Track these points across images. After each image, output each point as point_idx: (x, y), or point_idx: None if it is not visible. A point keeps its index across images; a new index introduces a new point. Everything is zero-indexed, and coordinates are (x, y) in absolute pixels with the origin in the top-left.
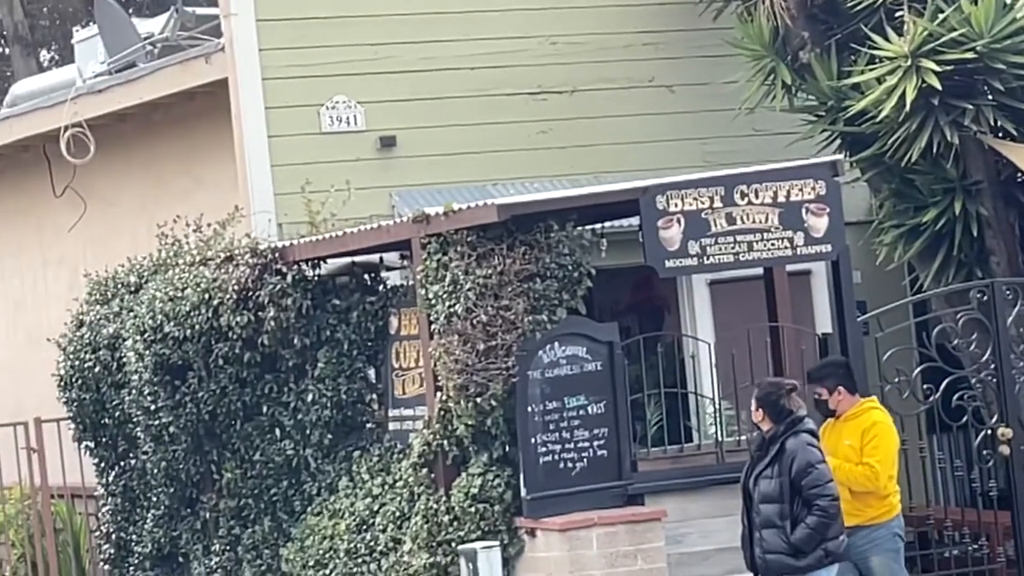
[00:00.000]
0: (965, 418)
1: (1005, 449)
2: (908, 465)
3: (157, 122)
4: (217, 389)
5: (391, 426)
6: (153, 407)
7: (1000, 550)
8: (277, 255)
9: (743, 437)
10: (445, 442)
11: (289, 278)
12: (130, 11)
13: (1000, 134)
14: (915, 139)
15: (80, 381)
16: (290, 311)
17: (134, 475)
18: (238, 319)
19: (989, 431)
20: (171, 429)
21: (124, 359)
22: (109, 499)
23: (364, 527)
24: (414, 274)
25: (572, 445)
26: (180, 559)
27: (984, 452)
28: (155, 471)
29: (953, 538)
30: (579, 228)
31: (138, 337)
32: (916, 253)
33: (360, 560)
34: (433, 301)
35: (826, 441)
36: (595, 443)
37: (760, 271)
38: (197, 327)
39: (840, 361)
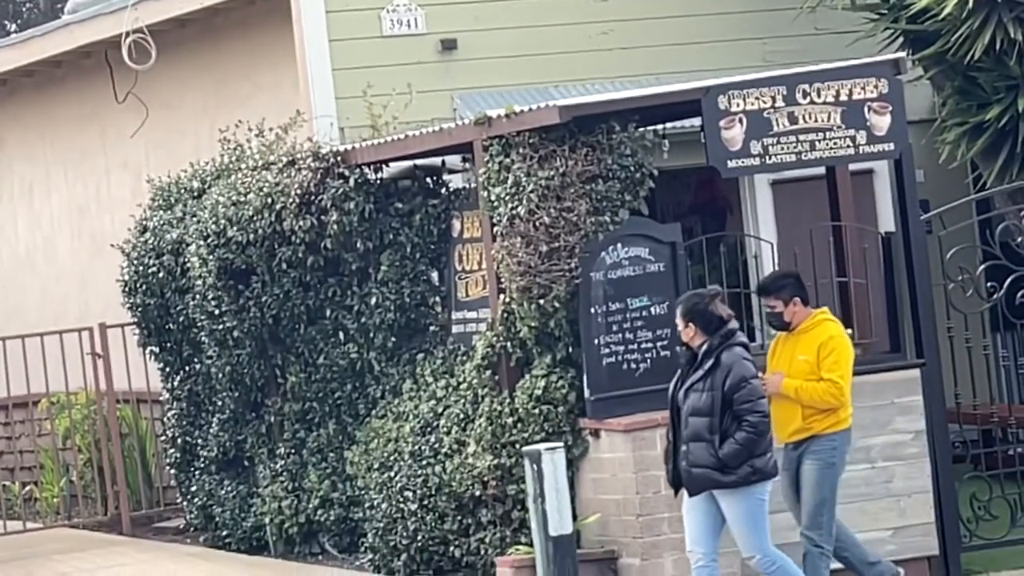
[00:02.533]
0: None
1: None
2: (972, 363)
3: (218, 26)
4: (280, 293)
5: (454, 328)
6: (217, 312)
7: None
8: (339, 159)
9: None
10: (508, 344)
11: (351, 182)
12: None
13: None
14: (978, 36)
15: (144, 286)
16: (352, 215)
17: (199, 380)
18: (301, 223)
19: None
20: (235, 333)
21: (188, 264)
22: (174, 404)
23: (428, 429)
24: (476, 177)
25: (635, 346)
26: (245, 463)
27: None
28: (220, 375)
29: (1017, 435)
30: (641, 129)
31: (201, 242)
32: (979, 151)
33: (424, 462)
34: (495, 203)
35: (779, 355)
36: (658, 344)
37: (822, 170)
38: (260, 231)
39: (793, 272)
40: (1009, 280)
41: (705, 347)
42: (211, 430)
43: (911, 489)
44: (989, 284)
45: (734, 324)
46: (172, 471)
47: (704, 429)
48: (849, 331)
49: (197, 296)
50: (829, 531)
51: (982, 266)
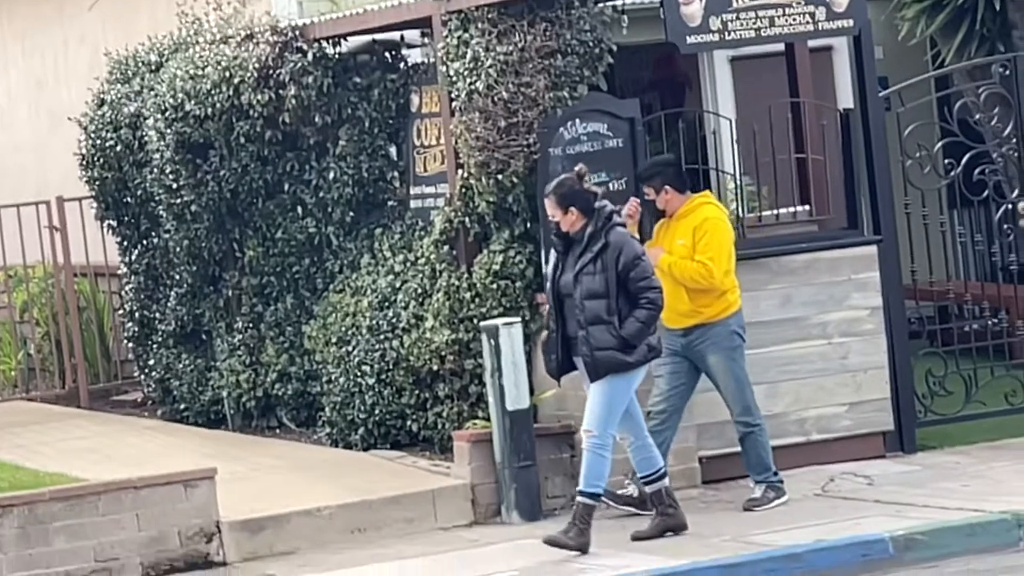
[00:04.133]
0: (986, 192)
1: None
2: (929, 240)
3: None
4: (238, 167)
5: (413, 204)
6: (175, 185)
7: (1019, 323)
8: (297, 33)
9: (764, 212)
10: (467, 219)
11: (310, 56)
12: None
13: None
14: None
15: (102, 160)
16: (311, 89)
17: (157, 253)
18: (259, 97)
19: (1010, 205)
20: (193, 207)
21: (145, 138)
22: (132, 277)
23: (386, 304)
24: (435, 52)
25: None
26: (203, 336)
27: (1004, 226)
28: (177, 249)
29: (973, 312)
30: (600, 4)
31: (159, 116)
32: (938, 27)
33: (382, 337)
34: (454, 79)
35: (659, 241)
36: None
37: (781, 47)
38: (218, 105)
39: (667, 160)
40: (966, 157)
41: (590, 230)
42: (169, 304)
43: (867, 365)
44: (946, 161)
45: (611, 204)
46: (130, 345)
47: (602, 311)
48: (805, 207)
49: (155, 170)
50: (755, 406)
51: (940, 143)
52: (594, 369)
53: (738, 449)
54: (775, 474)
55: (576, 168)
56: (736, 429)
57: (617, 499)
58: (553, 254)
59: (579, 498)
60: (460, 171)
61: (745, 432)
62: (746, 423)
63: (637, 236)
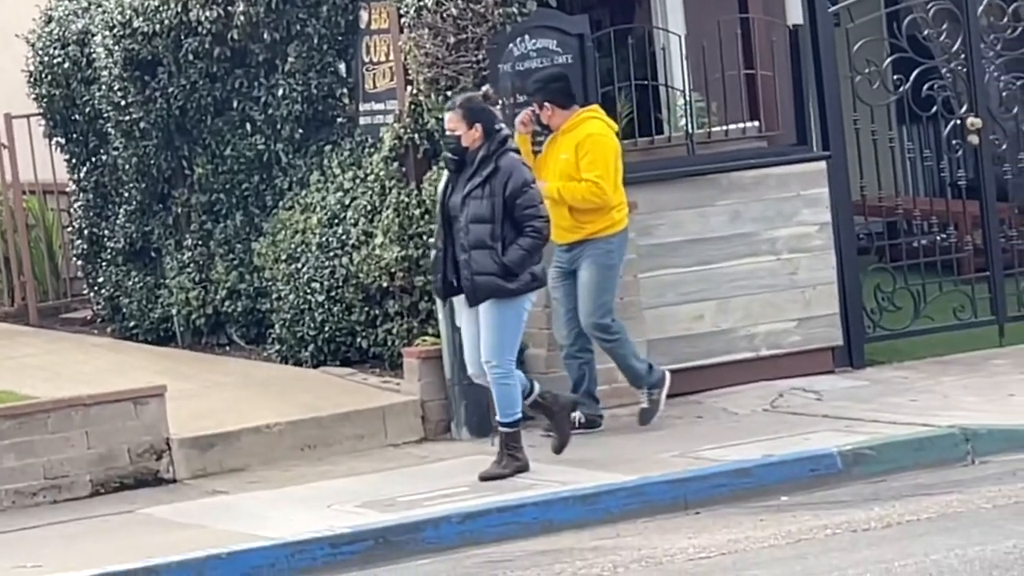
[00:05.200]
0: (935, 108)
1: (974, 139)
2: (878, 155)
3: None
4: (187, 84)
5: (362, 120)
6: (123, 103)
7: (968, 239)
8: None
9: (713, 129)
10: (416, 136)
11: None
12: None
13: None
14: None
15: (50, 77)
16: (259, 5)
17: (105, 171)
18: (207, 13)
19: (958, 121)
20: (142, 124)
21: (94, 55)
22: (81, 195)
23: (335, 221)
24: None
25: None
26: (152, 254)
27: (953, 142)
28: (126, 167)
29: (922, 228)
30: None
31: (107, 32)
32: None
33: (332, 254)
34: None
35: (546, 155)
36: None
37: None
38: (166, 22)
39: (549, 75)
40: (915, 73)
41: (483, 152)
42: (118, 221)
43: (816, 281)
44: (895, 77)
45: (506, 129)
46: (79, 262)
47: (487, 236)
48: (754, 123)
49: (103, 87)
50: (615, 325)
51: (889, 59)
52: (473, 293)
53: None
54: (650, 369)
55: (484, 88)
56: (592, 335)
57: None
58: (445, 173)
59: (500, 428)
60: (409, 88)
61: (600, 338)
62: (604, 329)
63: (529, 148)
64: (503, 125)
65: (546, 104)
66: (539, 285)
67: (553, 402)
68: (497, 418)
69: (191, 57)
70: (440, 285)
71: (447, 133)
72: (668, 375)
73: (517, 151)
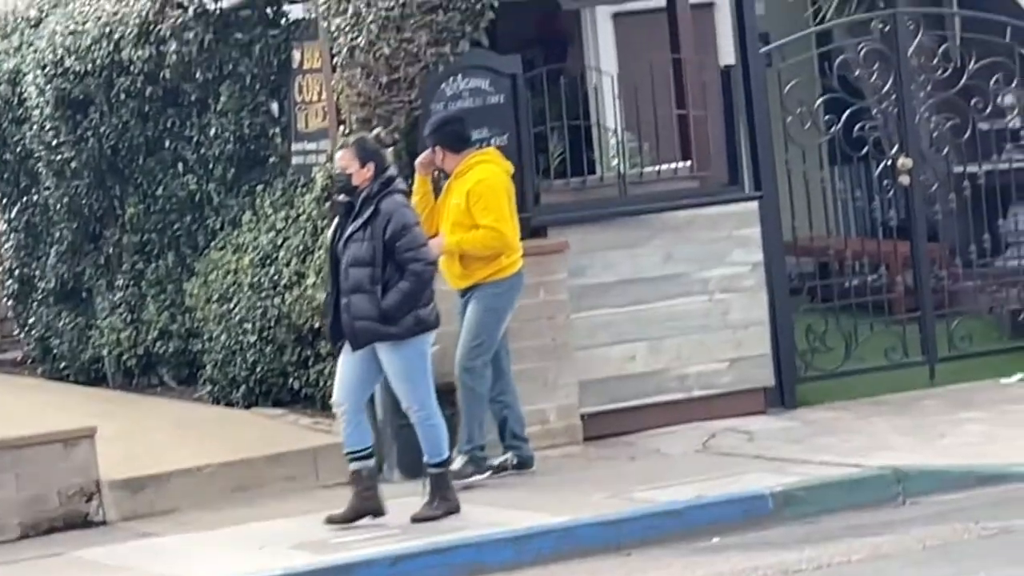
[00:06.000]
0: (866, 149)
1: (905, 179)
2: (809, 196)
3: None
4: (119, 123)
5: (294, 160)
6: (55, 142)
7: (899, 279)
8: None
9: (646, 169)
10: None
11: (191, 11)
12: None
13: None
14: None
15: None
16: (192, 45)
17: (36, 211)
18: (139, 53)
19: (889, 161)
20: (73, 164)
21: (25, 94)
22: (12, 235)
23: (268, 261)
24: (316, 7)
25: None
26: (83, 294)
27: (884, 182)
28: (58, 206)
29: (853, 268)
30: None
31: (39, 71)
32: None
33: (264, 294)
34: (335, 34)
35: (443, 199)
36: None
37: (663, 2)
38: (98, 61)
39: (442, 119)
40: (847, 113)
41: (366, 193)
42: (49, 261)
43: (748, 321)
44: (827, 117)
45: (394, 171)
46: (9, 303)
47: (366, 280)
48: (686, 163)
49: (34, 126)
50: (483, 373)
51: (820, 99)
52: (353, 338)
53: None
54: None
55: (376, 131)
56: (457, 380)
57: (494, 469)
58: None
59: (429, 470)
60: (342, 127)
61: (462, 389)
62: (465, 383)
63: (429, 189)
64: (393, 168)
65: (437, 148)
66: (426, 328)
67: (369, 478)
68: (426, 459)
69: (123, 96)
70: (330, 330)
71: (338, 171)
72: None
73: (404, 193)
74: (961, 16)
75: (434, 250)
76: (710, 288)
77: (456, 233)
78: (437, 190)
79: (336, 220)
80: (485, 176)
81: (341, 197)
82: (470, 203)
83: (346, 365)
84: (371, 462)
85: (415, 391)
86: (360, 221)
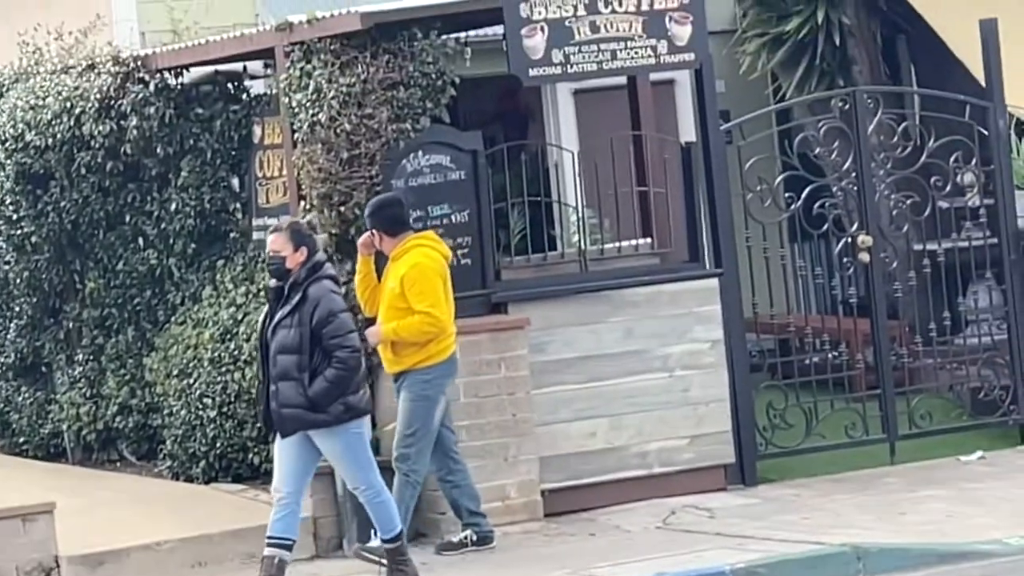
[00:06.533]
0: (826, 226)
1: (865, 256)
2: (769, 273)
3: None
4: (79, 198)
5: (255, 235)
6: (15, 216)
7: (859, 357)
8: (139, 64)
9: (607, 245)
10: None
11: (151, 87)
12: None
13: None
14: None
15: None
16: (153, 120)
17: None
18: (100, 128)
19: (849, 239)
20: (33, 239)
21: None
22: None
23: (228, 336)
24: (277, 83)
25: None
26: (43, 369)
27: (844, 260)
28: (17, 281)
29: (813, 345)
30: (443, 37)
31: None
32: (779, 62)
33: (224, 369)
34: (296, 110)
35: (382, 283)
36: (459, 252)
37: (624, 80)
38: (59, 136)
39: (379, 201)
40: (807, 191)
41: (293, 279)
42: (8, 336)
43: (708, 398)
44: (787, 194)
45: (323, 256)
46: None
47: (293, 367)
48: (647, 240)
49: None
50: (419, 460)
51: (780, 176)
52: (281, 426)
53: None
54: (399, 535)
55: (308, 217)
56: (395, 468)
57: (454, 546)
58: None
59: (384, 546)
60: (302, 203)
61: (399, 476)
62: (402, 470)
63: (371, 270)
64: (323, 254)
65: (373, 231)
66: (356, 415)
67: (279, 570)
68: (380, 536)
69: (84, 171)
70: (263, 418)
71: (272, 255)
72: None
73: (334, 279)
74: (920, 94)
75: (371, 340)
76: (671, 365)
77: (392, 317)
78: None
79: (268, 307)
80: (419, 260)
81: (272, 282)
82: (404, 288)
83: (283, 452)
84: (287, 555)
85: (359, 472)
86: (288, 307)
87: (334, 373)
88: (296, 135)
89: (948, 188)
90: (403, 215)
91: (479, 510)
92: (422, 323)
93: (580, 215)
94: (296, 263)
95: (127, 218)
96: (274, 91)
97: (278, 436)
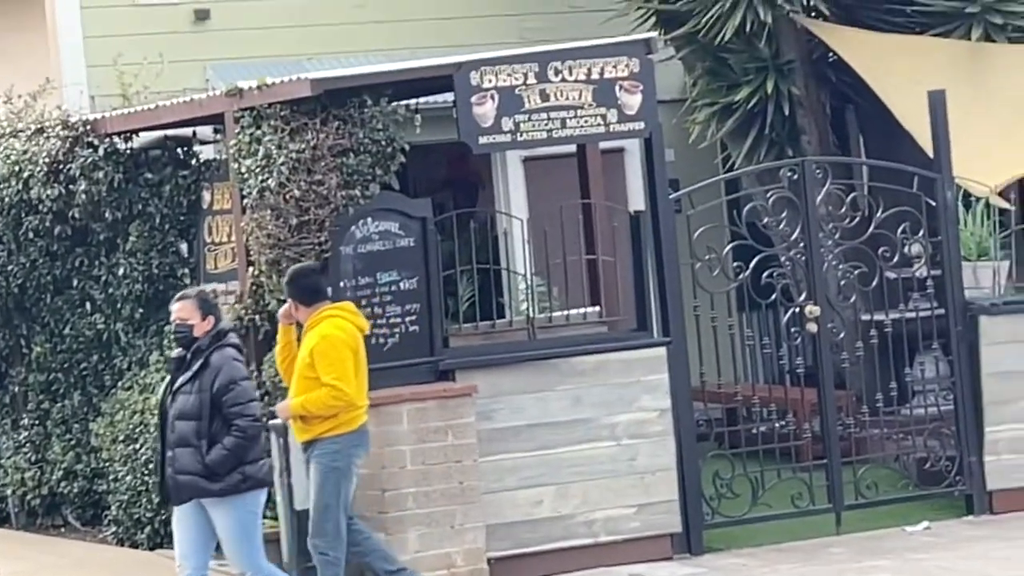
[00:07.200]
0: (774, 296)
1: (812, 327)
2: (717, 342)
3: None
4: (27, 262)
5: None
6: None
7: (806, 426)
8: (89, 128)
9: (555, 314)
10: (257, 317)
11: (101, 151)
12: None
13: (813, 13)
14: (729, 17)
15: None
16: (101, 184)
17: None
18: (49, 192)
19: (797, 309)
20: None
21: None
22: None
23: None
24: (227, 148)
25: (384, 321)
26: None
27: (792, 329)
28: None
29: (760, 414)
30: (393, 103)
31: None
32: (728, 131)
33: None
34: (246, 175)
35: (299, 350)
36: (407, 319)
37: (574, 148)
38: (7, 200)
39: (293, 271)
40: (755, 260)
41: (196, 346)
42: None
43: (655, 467)
44: (735, 264)
45: (227, 325)
46: None
47: (191, 434)
48: (595, 308)
49: None
50: (336, 536)
51: (729, 246)
52: (176, 493)
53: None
54: None
55: (211, 286)
56: (311, 549)
57: None
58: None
59: None
60: (251, 268)
61: (317, 557)
62: (319, 548)
63: (291, 339)
64: (227, 323)
65: (288, 300)
66: (253, 486)
67: None
68: None
69: (32, 235)
70: (159, 488)
71: (179, 323)
72: None
73: (237, 347)
74: (869, 165)
75: (280, 415)
76: (618, 433)
77: (303, 387)
78: None
79: (169, 375)
80: (330, 332)
81: (177, 351)
82: (314, 359)
83: (182, 524)
84: None
85: (245, 552)
86: (189, 373)
87: (233, 441)
88: (245, 201)
89: (896, 259)
90: (318, 284)
91: (396, 567)
92: (328, 396)
93: (529, 283)
94: (203, 331)
95: (75, 282)
96: (223, 156)
97: (175, 507)
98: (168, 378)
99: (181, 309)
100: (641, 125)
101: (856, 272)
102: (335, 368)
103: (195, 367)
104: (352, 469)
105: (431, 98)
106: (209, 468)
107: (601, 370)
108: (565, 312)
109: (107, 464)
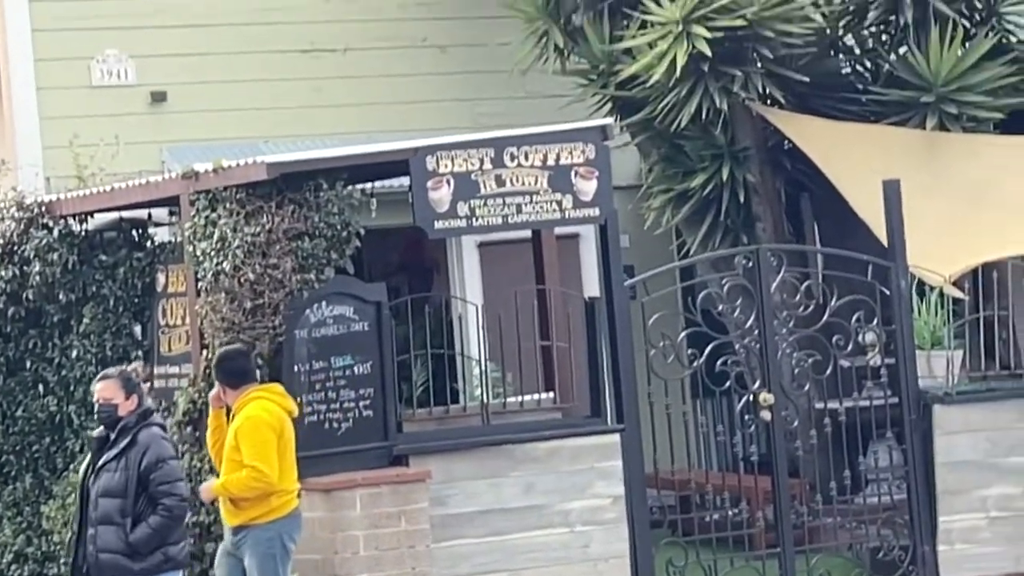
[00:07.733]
0: (728, 383)
1: (766, 414)
2: (671, 429)
3: None
4: None
5: (156, 384)
6: None
7: (760, 514)
8: (43, 209)
9: (509, 399)
10: None
11: (55, 232)
12: None
13: (768, 101)
14: (685, 104)
15: None
16: (56, 266)
17: None
18: (2, 273)
19: (751, 396)
20: None
21: None
22: None
23: None
24: (182, 231)
25: (338, 405)
26: None
27: (746, 417)
28: None
29: (714, 502)
30: (349, 187)
31: None
32: (684, 218)
33: None
34: (201, 258)
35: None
36: (361, 403)
37: (529, 233)
38: None
39: (221, 354)
40: (709, 348)
41: (121, 425)
42: None
43: (608, 554)
44: (690, 351)
45: (151, 403)
46: None
47: (115, 511)
48: (549, 394)
49: None
50: None
51: (683, 333)
52: (97, 572)
53: None
54: None
55: (135, 365)
56: None
57: None
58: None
59: None
60: (205, 351)
61: None
62: None
63: (223, 422)
64: (150, 402)
65: (217, 384)
66: (174, 567)
67: None
68: None
69: None
70: (70, 570)
71: (102, 402)
72: None
73: (162, 427)
74: (823, 253)
75: (203, 496)
76: (571, 520)
77: (231, 469)
78: None
79: (91, 454)
80: (255, 413)
81: (99, 430)
82: (238, 440)
83: None
84: None
85: None
86: (115, 451)
87: (158, 520)
88: (200, 283)
89: (850, 347)
90: (245, 367)
91: None
92: (248, 478)
93: (483, 368)
94: (127, 411)
95: (28, 364)
96: (179, 239)
97: None
98: (88, 458)
99: (104, 389)
100: (596, 211)
101: (810, 360)
102: (256, 450)
103: (122, 444)
104: (288, 552)
105: (387, 182)
106: (132, 547)
107: (555, 456)
108: (519, 398)
109: (58, 547)
